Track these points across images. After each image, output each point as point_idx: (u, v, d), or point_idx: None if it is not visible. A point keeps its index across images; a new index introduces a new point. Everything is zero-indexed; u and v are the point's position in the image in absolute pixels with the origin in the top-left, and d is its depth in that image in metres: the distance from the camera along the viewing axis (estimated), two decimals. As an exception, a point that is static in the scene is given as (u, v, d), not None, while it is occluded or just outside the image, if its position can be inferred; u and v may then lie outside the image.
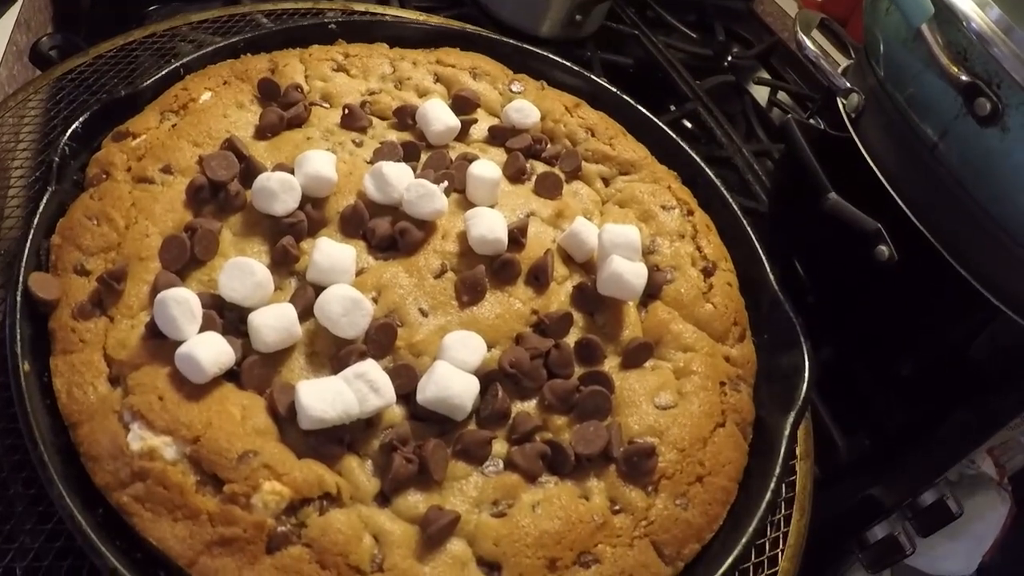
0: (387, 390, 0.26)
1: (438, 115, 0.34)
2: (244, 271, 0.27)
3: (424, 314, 0.29)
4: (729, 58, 0.63)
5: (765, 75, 0.66)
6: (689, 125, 0.59)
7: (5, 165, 0.39)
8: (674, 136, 0.37)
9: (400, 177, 0.30)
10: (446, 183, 0.31)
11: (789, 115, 0.46)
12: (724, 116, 0.58)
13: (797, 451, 0.36)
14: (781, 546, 0.33)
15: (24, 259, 0.27)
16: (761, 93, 0.65)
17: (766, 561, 0.33)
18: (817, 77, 0.50)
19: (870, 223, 0.44)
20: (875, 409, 0.49)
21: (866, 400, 0.49)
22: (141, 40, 0.41)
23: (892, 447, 0.49)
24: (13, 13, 0.50)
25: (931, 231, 0.43)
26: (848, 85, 0.48)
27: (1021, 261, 0.41)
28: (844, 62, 0.54)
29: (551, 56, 0.39)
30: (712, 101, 0.58)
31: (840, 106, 0.48)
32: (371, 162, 0.32)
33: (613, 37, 0.59)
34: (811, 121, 0.50)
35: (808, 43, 0.49)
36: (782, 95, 0.65)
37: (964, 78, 0.39)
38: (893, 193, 0.44)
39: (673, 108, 0.56)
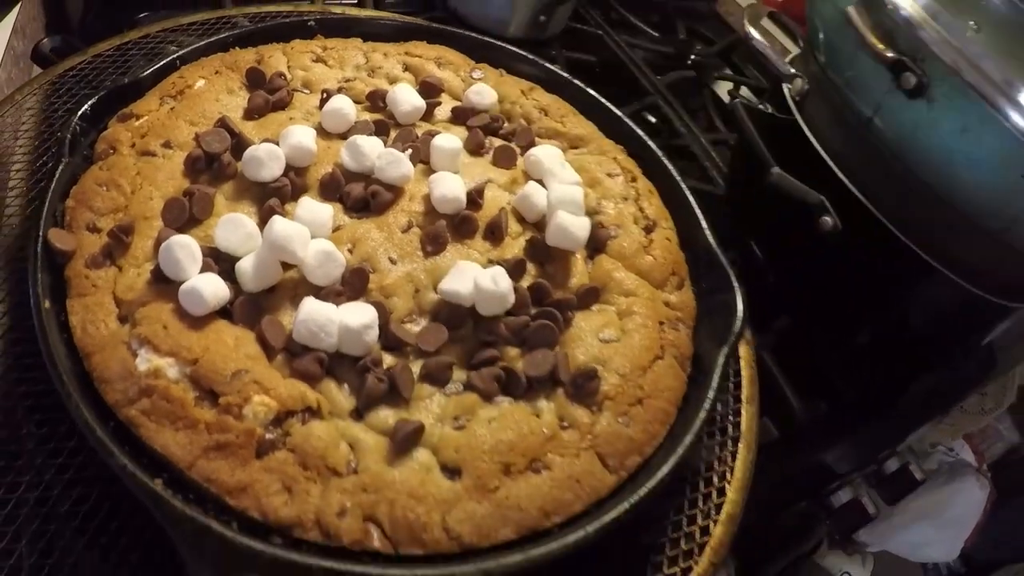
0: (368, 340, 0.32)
1: (406, 97, 0.41)
2: (237, 224, 0.33)
3: (393, 262, 0.35)
4: (692, 56, 0.71)
5: (728, 72, 0.75)
6: (652, 119, 0.67)
7: (5, 159, 0.45)
8: (619, 114, 0.45)
9: (372, 148, 0.37)
10: (411, 150, 0.38)
11: (737, 99, 0.53)
12: (685, 110, 0.66)
13: (743, 396, 0.43)
14: (728, 477, 0.39)
15: (43, 218, 0.34)
16: (725, 89, 0.74)
17: (715, 491, 0.39)
18: (768, 67, 0.58)
19: (813, 195, 0.51)
20: (832, 377, 0.55)
21: (823, 369, 0.55)
22: (136, 40, 0.49)
23: (850, 413, 0.55)
24: (10, 19, 0.58)
25: (872, 202, 0.50)
26: (792, 71, 0.56)
27: (957, 225, 0.49)
28: (795, 50, 0.62)
29: (509, 47, 0.47)
30: (673, 95, 0.66)
31: (785, 91, 0.55)
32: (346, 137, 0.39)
33: (578, 37, 0.67)
34: (760, 106, 0.58)
35: (755, 34, 0.56)
36: (744, 91, 0.73)
37: (890, 54, 0.46)
38: (835, 167, 0.51)
39: (635, 102, 0.64)
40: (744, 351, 0.44)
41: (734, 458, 0.40)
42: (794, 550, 0.63)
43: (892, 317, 0.56)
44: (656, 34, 0.72)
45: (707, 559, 0.37)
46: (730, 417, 0.42)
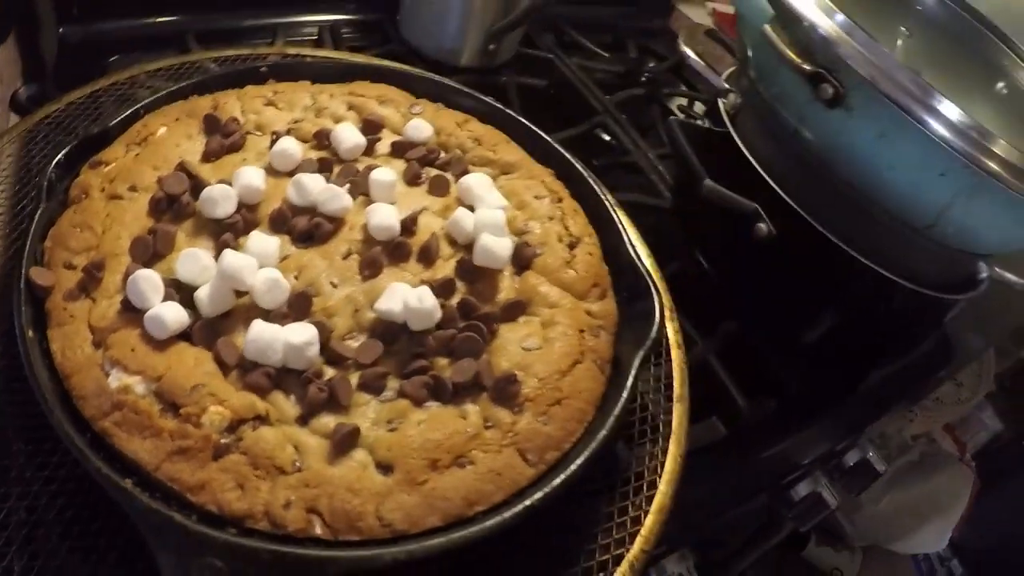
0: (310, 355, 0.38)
1: (348, 136, 0.48)
2: (194, 258, 0.40)
3: (334, 286, 0.42)
4: (646, 74, 0.78)
5: (682, 88, 0.82)
6: (607, 137, 0.73)
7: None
8: (547, 139, 0.52)
9: (315, 184, 0.44)
10: (350, 185, 0.45)
11: (672, 117, 0.60)
12: (638, 127, 0.73)
13: (674, 396, 0.49)
14: (660, 472, 0.45)
15: (25, 258, 0.41)
16: (678, 104, 0.80)
17: (646, 485, 0.45)
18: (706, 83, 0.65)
19: (747, 204, 0.58)
20: (781, 376, 0.61)
21: (772, 368, 0.61)
22: (106, 88, 0.56)
23: (800, 409, 0.61)
24: (-12, 67, 0.66)
25: (804, 207, 0.57)
26: (727, 87, 0.63)
27: (886, 225, 0.55)
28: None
29: (446, 81, 0.54)
30: (625, 113, 0.73)
31: (720, 106, 0.62)
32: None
33: (529, 62, 0.75)
34: (697, 122, 0.64)
35: (690, 52, 0.64)
36: (698, 105, 0.80)
37: (808, 67, 0.53)
38: (766, 176, 0.58)
39: (585, 122, 0.71)
40: (676, 354, 0.51)
41: (665, 454, 0.47)
42: (760, 545, 0.69)
43: (835, 317, 0.63)
44: (607, 55, 0.79)
45: (638, 547, 0.43)
46: (661, 416, 0.48)
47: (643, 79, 0.76)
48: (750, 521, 0.71)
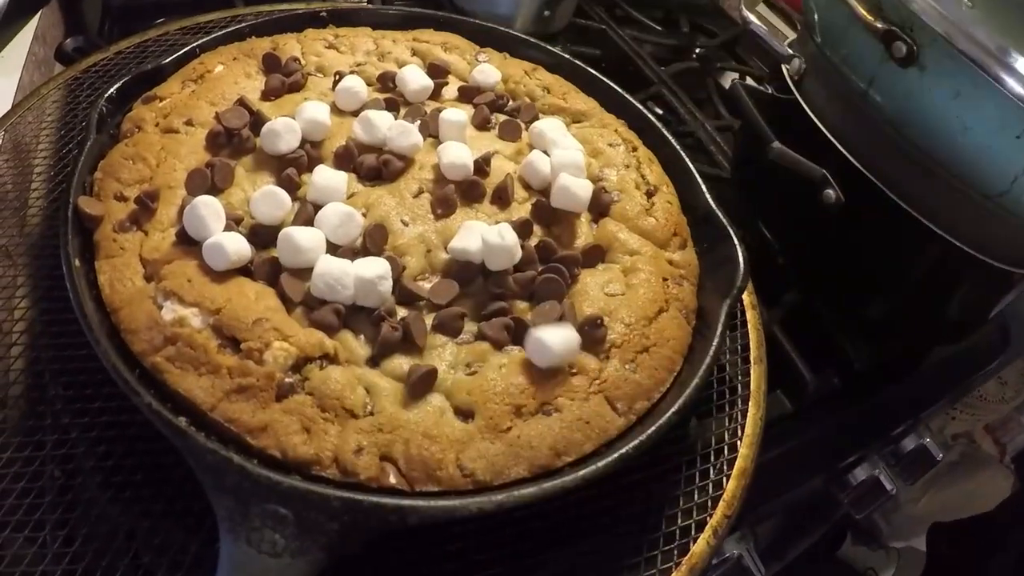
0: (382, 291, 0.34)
1: (414, 77, 0.44)
2: (271, 197, 0.36)
3: (405, 224, 0.38)
4: (697, 50, 0.74)
5: (732, 63, 0.78)
6: (660, 111, 0.69)
7: (32, 148, 0.49)
8: (618, 89, 0.47)
9: (383, 120, 0.40)
10: (419, 123, 0.40)
11: (736, 80, 0.56)
12: (691, 100, 0.69)
13: (751, 357, 0.44)
14: (740, 435, 0.41)
15: (73, 187, 0.36)
16: (730, 79, 0.76)
17: (726, 448, 0.40)
18: (767, 51, 0.61)
19: (815, 169, 0.53)
20: (843, 350, 0.56)
21: (834, 342, 0.57)
22: (155, 38, 0.52)
23: (862, 385, 0.56)
24: (32, 26, 0.62)
25: (873, 172, 0.53)
26: (790, 52, 0.59)
27: (957, 191, 0.51)
28: (792, 35, 0.65)
29: (511, 32, 0.50)
30: (677, 85, 0.68)
31: (784, 71, 0.58)
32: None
33: (583, 33, 0.71)
34: (761, 87, 0.60)
35: (752, 18, 0.60)
36: (749, 80, 0.76)
37: (881, 25, 0.49)
38: (834, 141, 0.54)
39: (640, 93, 0.67)
40: (751, 315, 0.46)
41: (744, 416, 0.42)
42: (814, 532, 0.63)
43: (899, 289, 0.58)
44: (660, 28, 0.76)
45: (720, 512, 0.38)
46: (739, 377, 0.44)
47: (695, 54, 0.72)
48: (801, 507, 0.66)
